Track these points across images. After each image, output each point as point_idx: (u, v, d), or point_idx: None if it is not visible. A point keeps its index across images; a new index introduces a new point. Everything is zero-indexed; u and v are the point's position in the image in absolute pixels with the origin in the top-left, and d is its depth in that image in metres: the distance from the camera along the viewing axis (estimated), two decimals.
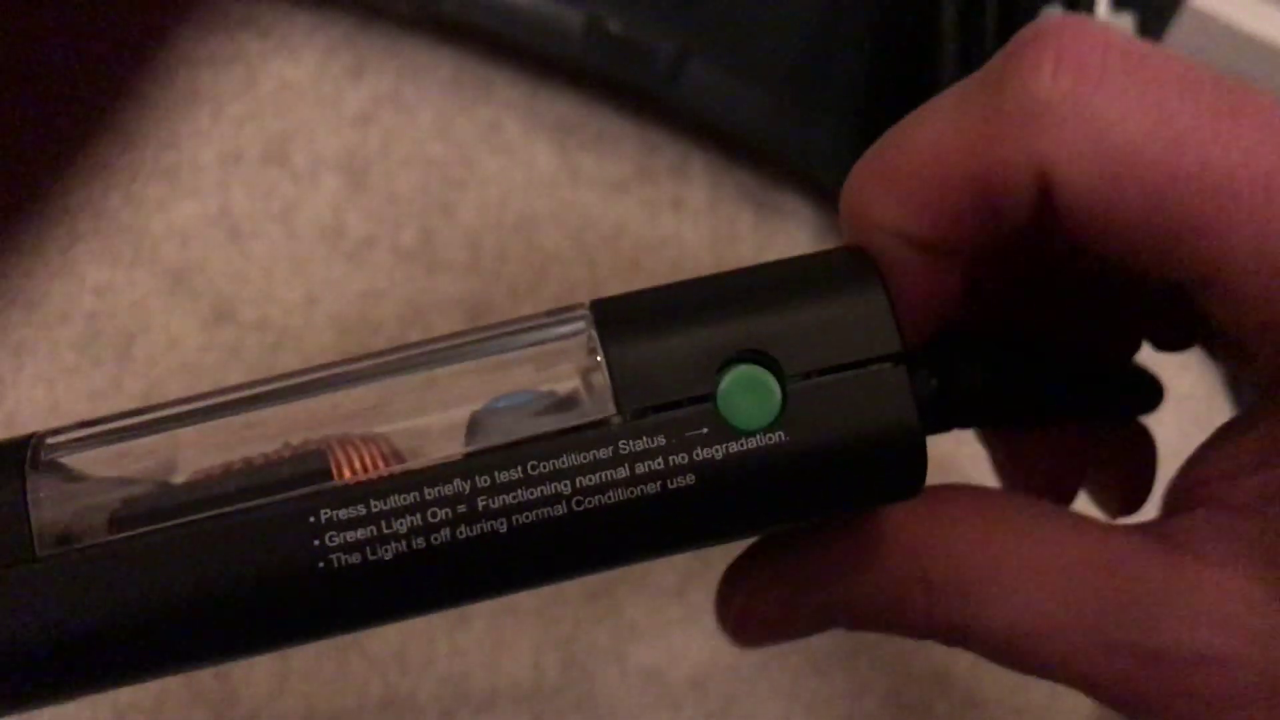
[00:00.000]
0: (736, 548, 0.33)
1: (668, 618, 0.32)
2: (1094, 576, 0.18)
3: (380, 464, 0.17)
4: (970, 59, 0.32)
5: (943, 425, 0.21)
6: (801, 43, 0.34)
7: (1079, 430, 0.24)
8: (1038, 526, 0.19)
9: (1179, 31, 0.36)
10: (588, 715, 0.31)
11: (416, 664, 0.30)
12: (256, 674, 0.29)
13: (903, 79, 0.34)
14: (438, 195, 0.33)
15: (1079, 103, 0.17)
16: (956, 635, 0.19)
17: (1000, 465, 0.26)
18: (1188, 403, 0.35)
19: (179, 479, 0.17)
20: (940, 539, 0.19)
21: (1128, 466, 0.25)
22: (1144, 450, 0.25)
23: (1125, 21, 0.34)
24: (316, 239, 0.32)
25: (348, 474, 0.17)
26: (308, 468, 0.17)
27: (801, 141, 0.34)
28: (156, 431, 0.17)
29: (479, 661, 0.30)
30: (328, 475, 0.17)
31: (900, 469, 0.17)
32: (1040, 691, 0.33)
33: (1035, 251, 0.21)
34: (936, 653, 0.33)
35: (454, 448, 0.17)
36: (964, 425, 0.22)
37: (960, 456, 0.32)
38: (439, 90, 0.34)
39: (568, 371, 0.17)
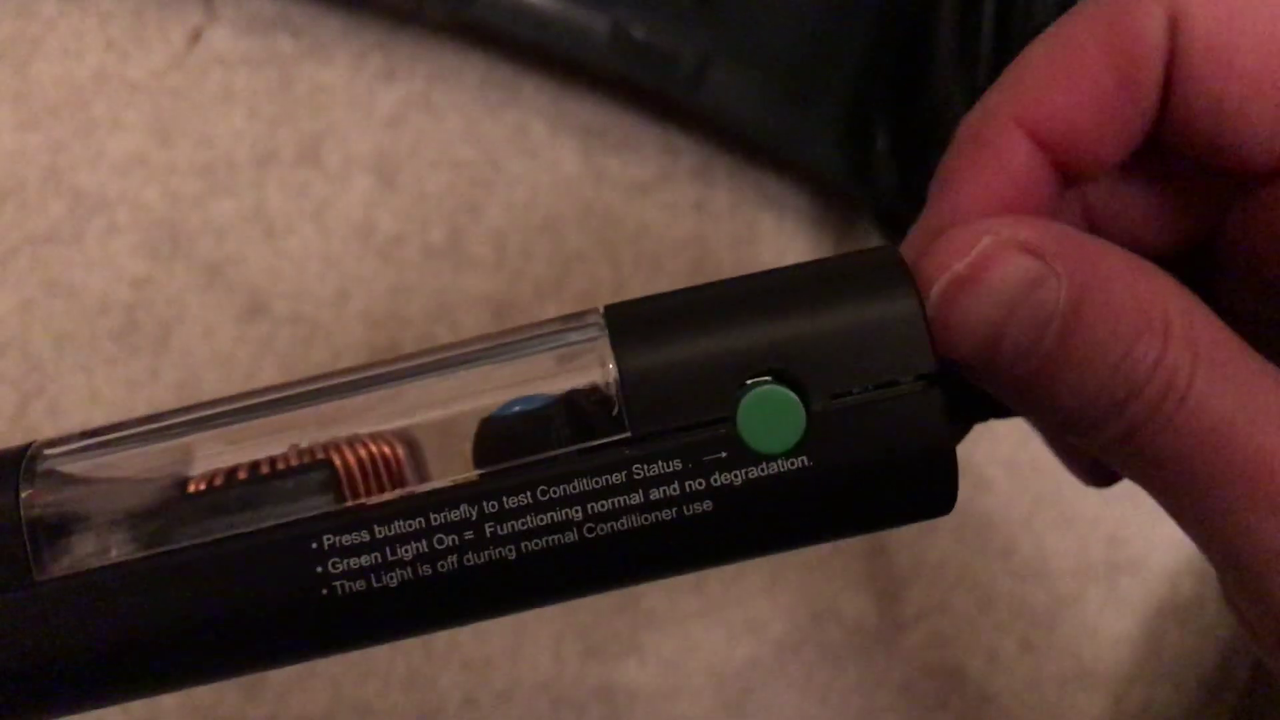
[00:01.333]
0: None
1: (686, 609, 0.32)
2: None
3: (389, 465, 0.16)
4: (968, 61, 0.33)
5: (979, 416, 0.20)
6: (813, 46, 0.34)
7: None
8: None
9: None
10: (606, 704, 0.32)
11: (440, 649, 0.31)
12: None
13: (903, 75, 0.35)
14: (466, 195, 0.34)
15: None
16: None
17: (1049, 440, 0.26)
18: None
19: (182, 487, 0.16)
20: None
21: None
22: None
23: None
24: (348, 236, 0.33)
25: (358, 479, 0.16)
26: (312, 480, 0.16)
27: (813, 143, 0.34)
28: (159, 440, 0.17)
29: (501, 649, 0.31)
30: (333, 487, 0.16)
31: (929, 494, 0.16)
32: (1052, 688, 0.33)
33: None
34: (951, 649, 0.33)
35: (462, 460, 0.16)
36: (1000, 416, 0.21)
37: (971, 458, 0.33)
38: (468, 94, 0.35)
39: (580, 380, 0.16)
